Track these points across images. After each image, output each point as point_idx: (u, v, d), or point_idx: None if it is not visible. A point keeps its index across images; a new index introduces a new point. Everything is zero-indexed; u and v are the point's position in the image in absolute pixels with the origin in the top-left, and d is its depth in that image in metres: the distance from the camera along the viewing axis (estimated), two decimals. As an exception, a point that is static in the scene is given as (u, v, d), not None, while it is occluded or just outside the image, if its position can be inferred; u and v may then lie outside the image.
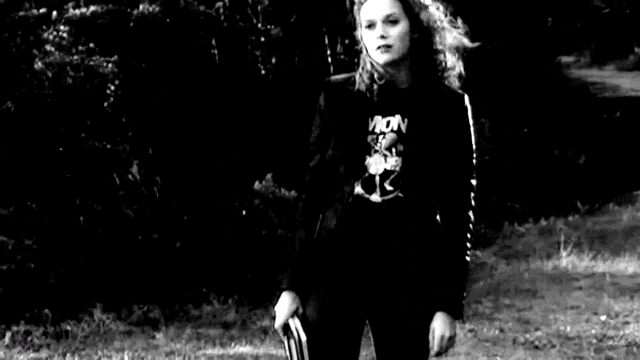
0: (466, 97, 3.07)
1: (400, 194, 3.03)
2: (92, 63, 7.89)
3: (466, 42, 3.10)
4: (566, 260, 8.37)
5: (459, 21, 3.09)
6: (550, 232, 9.58)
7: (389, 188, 3.04)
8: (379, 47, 3.02)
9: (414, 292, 3.07)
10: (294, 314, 3.09)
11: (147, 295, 7.44)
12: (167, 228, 7.93)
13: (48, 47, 7.72)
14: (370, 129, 3.07)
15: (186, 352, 6.25)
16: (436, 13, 3.06)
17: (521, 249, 9.10)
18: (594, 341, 6.01)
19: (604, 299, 7.02)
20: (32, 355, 7.42)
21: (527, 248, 9.11)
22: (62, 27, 8.15)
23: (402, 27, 3.02)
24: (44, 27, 8.03)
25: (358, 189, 3.06)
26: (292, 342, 3.06)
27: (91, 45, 8.19)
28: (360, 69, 3.11)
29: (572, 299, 7.11)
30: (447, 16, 3.07)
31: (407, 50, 3.03)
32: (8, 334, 8.34)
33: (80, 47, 8.02)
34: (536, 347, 5.97)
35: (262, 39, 10.05)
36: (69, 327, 9.17)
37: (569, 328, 6.29)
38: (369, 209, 3.05)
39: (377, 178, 3.05)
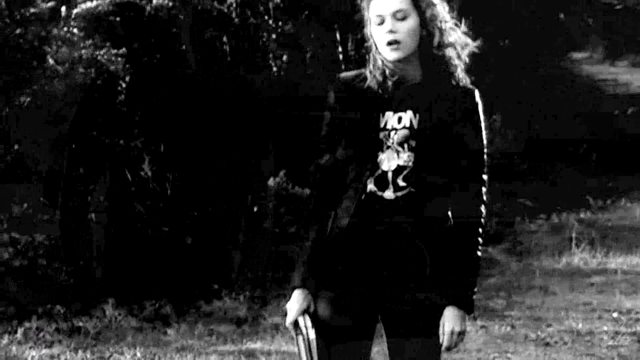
0: (477, 92, 3.08)
1: (412, 190, 3.03)
2: (102, 59, 7.91)
3: (470, 41, 3.11)
4: (578, 257, 8.35)
5: (462, 21, 3.10)
6: (561, 229, 9.56)
7: (402, 184, 3.03)
8: (388, 43, 3.02)
9: (426, 288, 3.06)
10: (305, 311, 3.09)
11: (158, 291, 7.45)
12: (179, 224, 7.93)
13: (59, 43, 7.74)
14: (382, 125, 3.07)
15: (197, 349, 6.26)
16: (443, 10, 3.07)
17: (532, 246, 9.08)
18: (606, 338, 6.00)
19: (616, 296, 7.01)
20: (44, 351, 7.44)
21: (538, 245, 9.10)
22: (72, 23, 8.16)
23: (411, 23, 3.03)
24: (55, 22, 8.05)
25: (371, 186, 3.05)
26: (300, 339, 3.07)
27: (101, 40, 8.20)
28: (370, 66, 3.11)
29: (584, 296, 7.09)
30: (453, 16, 3.09)
31: (416, 47, 3.04)
32: (20, 330, 8.38)
33: (90, 42, 8.03)
34: (547, 344, 5.96)
35: (274, 35, 10.05)
36: (80, 324, 9.20)
37: (580, 325, 6.28)
38: (382, 206, 3.05)
39: (390, 174, 3.05)
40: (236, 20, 9.52)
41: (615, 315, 6.50)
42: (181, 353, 6.16)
